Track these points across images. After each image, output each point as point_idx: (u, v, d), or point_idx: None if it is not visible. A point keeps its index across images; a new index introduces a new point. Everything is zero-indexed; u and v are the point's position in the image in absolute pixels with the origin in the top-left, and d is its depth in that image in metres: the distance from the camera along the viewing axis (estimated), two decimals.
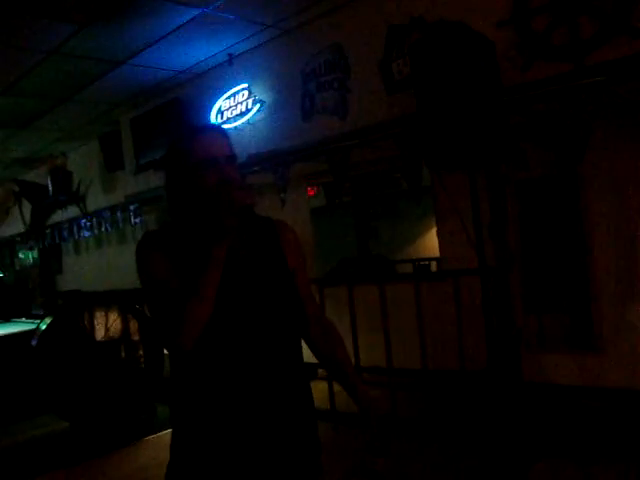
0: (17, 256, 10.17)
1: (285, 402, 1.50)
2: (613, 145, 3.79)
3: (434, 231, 5.87)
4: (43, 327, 4.99)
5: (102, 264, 8.36)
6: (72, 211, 8.45)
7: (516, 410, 3.44)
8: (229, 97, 5.66)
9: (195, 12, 4.46)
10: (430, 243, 6.81)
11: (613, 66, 3.21)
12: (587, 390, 3.97)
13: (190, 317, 1.38)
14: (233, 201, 1.41)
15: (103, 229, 7.51)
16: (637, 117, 3.65)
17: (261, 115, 5.46)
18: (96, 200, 8.07)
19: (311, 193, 6.48)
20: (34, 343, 4.94)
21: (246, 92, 5.52)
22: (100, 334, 5.32)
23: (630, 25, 3.21)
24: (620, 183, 3.88)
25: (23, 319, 7.25)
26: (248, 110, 5.49)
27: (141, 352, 5.34)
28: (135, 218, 6.78)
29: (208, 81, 5.92)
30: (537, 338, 4.28)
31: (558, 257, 4.22)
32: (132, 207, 6.80)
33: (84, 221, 7.83)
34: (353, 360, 4.49)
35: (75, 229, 8.02)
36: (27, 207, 9.31)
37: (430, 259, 6.96)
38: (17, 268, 10.31)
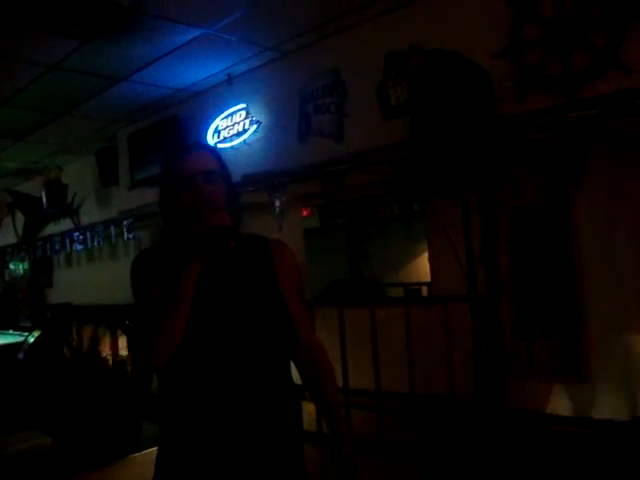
0: (7, 267, 10.11)
1: (266, 423, 1.48)
2: (604, 176, 3.84)
3: (425, 255, 5.90)
4: (31, 340, 4.96)
5: (93, 279, 8.30)
6: (65, 224, 8.42)
7: (500, 437, 3.43)
8: (226, 117, 5.70)
9: (197, 32, 4.51)
10: (422, 267, 6.83)
11: (604, 100, 3.27)
12: (573, 419, 3.97)
13: (159, 335, 1.40)
14: (203, 220, 1.43)
15: (95, 243, 7.48)
16: (628, 149, 3.72)
17: (258, 136, 5.50)
18: (90, 214, 8.05)
19: (305, 214, 6.51)
20: (21, 357, 4.91)
21: (244, 112, 5.56)
22: (88, 349, 5.29)
23: (620, 61, 3.28)
24: (611, 214, 3.93)
25: (10, 331, 7.18)
26: (245, 130, 5.53)
27: (129, 368, 5.31)
28: (128, 233, 6.76)
29: (206, 100, 5.97)
30: (525, 365, 4.28)
31: (548, 285, 4.25)
32: (126, 222, 6.78)
33: (77, 234, 7.80)
34: (341, 382, 4.48)
35: (67, 242, 7.98)
36: (20, 218, 9.28)
37: (421, 284, 6.98)
38: (7, 279, 10.24)
